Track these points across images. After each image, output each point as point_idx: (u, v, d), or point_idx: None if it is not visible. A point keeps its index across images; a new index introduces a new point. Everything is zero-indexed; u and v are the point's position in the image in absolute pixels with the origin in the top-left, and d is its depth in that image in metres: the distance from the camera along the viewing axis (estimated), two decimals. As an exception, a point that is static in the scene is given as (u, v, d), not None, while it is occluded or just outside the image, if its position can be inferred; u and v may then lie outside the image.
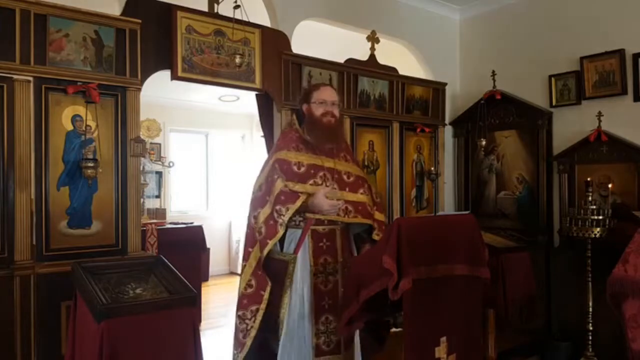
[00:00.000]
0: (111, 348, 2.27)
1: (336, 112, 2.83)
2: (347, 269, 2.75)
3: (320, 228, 2.74)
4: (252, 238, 2.74)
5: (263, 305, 2.66)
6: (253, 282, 2.70)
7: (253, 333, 2.67)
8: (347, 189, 2.79)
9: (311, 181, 2.73)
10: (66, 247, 2.93)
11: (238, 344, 2.72)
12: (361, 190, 2.87)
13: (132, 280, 2.69)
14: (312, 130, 2.80)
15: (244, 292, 2.72)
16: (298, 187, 2.68)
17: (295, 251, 2.71)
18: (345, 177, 2.84)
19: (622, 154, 4.21)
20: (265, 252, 2.64)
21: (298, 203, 2.64)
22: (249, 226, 2.78)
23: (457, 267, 2.29)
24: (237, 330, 2.73)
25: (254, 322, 2.67)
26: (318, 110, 2.79)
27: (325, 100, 2.80)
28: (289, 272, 2.69)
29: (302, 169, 2.73)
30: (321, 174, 2.76)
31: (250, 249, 2.74)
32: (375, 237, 2.87)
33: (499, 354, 3.43)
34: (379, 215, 2.89)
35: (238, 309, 2.73)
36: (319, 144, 2.80)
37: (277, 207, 2.64)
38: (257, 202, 2.75)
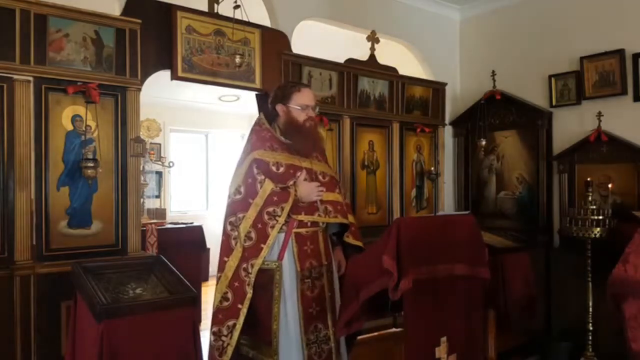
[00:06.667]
0: (111, 348, 2.27)
1: (314, 114, 2.75)
2: (344, 270, 2.69)
3: (303, 231, 2.61)
4: (228, 246, 2.57)
5: (241, 320, 2.49)
6: (229, 295, 2.53)
7: (230, 351, 2.51)
8: (324, 189, 2.68)
9: (291, 182, 2.62)
10: (66, 247, 2.93)
11: None
12: (337, 190, 2.80)
13: (132, 280, 2.69)
14: (294, 135, 2.69)
15: (219, 306, 2.54)
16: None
17: (280, 257, 2.56)
18: (321, 177, 2.75)
19: (622, 154, 4.21)
20: (261, 259, 2.50)
21: (291, 200, 2.54)
22: (224, 233, 2.61)
23: (457, 267, 2.29)
24: (211, 348, 2.56)
25: (230, 338, 2.50)
26: (300, 116, 2.68)
27: (308, 105, 2.71)
28: (275, 281, 2.53)
29: (282, 169, 2.63)
30: (299, 174, 2.66)
31: (225, 259, 2.55)
32: (346, 239, 2.80)
33: (499, 354, 3.44)
34: (351, 218, 2.81)
35: (212, 324, 2.56)
36: (304, 150, 2.71)
37: (271, 209, 2.52)
38: (237, 205, 2.57)
